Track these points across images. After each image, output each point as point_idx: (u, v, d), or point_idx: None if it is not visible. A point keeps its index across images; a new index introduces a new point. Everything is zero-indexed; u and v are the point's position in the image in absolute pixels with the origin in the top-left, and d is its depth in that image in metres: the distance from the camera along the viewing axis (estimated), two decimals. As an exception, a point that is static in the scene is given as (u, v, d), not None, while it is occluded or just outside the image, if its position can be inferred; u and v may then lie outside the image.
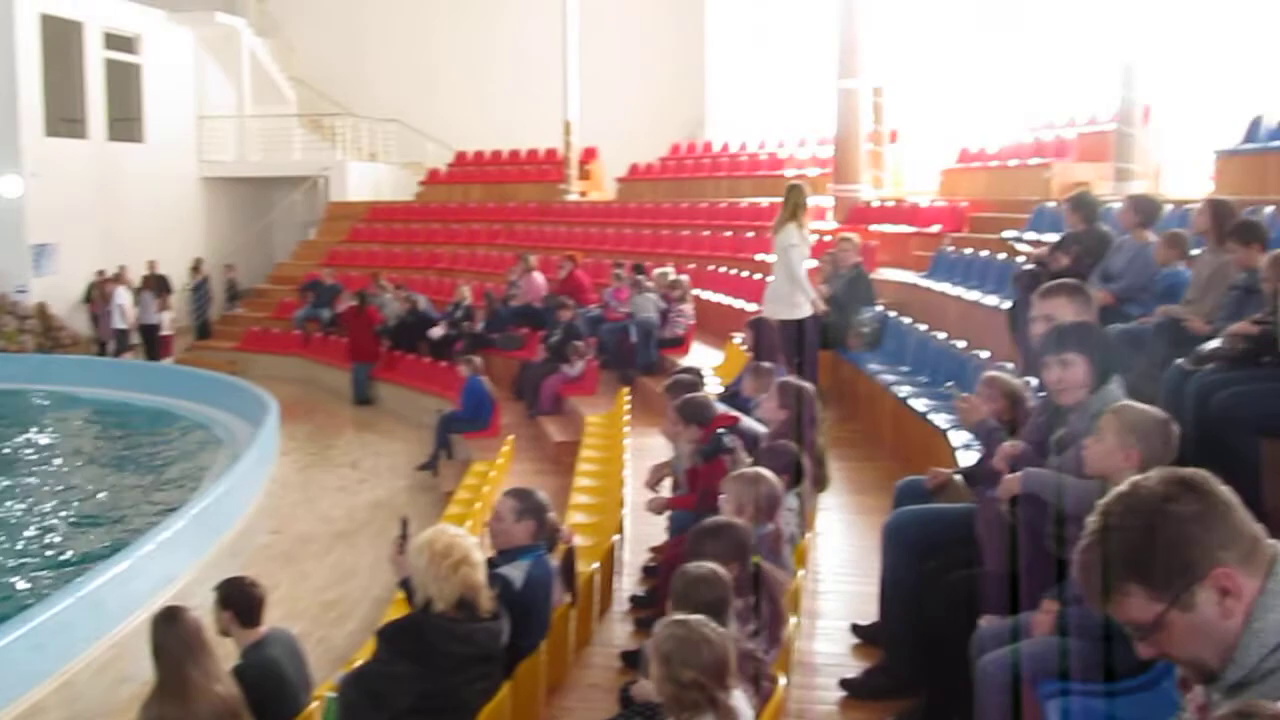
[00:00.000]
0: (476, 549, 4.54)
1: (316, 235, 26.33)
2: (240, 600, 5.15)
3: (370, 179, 27.38)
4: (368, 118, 28.00)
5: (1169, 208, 8.81)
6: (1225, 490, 1.95)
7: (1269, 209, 8.09)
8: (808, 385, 6.56)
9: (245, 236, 27.40)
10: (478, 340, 16.81)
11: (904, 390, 9.10)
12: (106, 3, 24.50)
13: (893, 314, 11.34)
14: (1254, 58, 15.15)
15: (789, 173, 19.21)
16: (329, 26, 28.84)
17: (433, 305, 18.93)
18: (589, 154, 24.94)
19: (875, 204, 16.61)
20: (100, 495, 13.98)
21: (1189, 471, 1.99)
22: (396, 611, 6.85)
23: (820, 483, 6.56)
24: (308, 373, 20.08)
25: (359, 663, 6.40)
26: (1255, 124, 11.27)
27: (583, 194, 24.24)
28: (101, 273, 22.81)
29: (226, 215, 27.60)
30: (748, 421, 6.78)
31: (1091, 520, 2.00)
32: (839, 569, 6.75)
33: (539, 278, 17.76)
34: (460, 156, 27.37)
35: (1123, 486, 1.99)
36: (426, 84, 28.09)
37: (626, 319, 14.77)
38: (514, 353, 16.45)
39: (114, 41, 24.93)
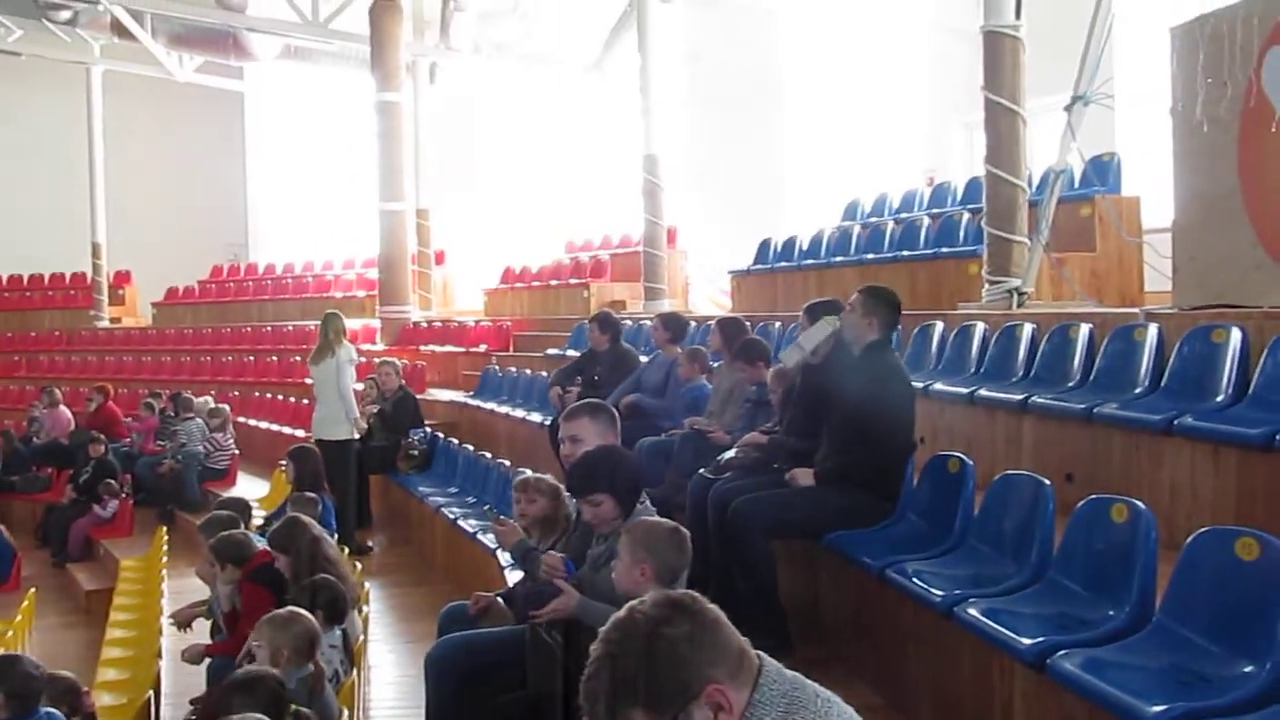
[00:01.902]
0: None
1: None
2: None
3: None
4: None
5: (693, 325, 9.46)
6: (713, 608, 2.06)
7: (778, 324, 8.88)
8: (298, 518, 6.37)
9: None
10: (-4, 484, 15.26)
11: (454, 511, 9.11)
12: None
13: (441, 435, 11.38)
14: (765, 185, 16.80)
15: (336, 294, 19.05)
16: None
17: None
18: (122, 278, 23.58)
19: (423, 324, 16.74)
20: None
21: (679, 593, 2.08)
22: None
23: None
24: None
25: None
26: (764, 246, 12.41)
27: (115, 320, 22.82)
28: None
29: None
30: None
31: (595, 648, 2.04)
32: (393, 703, 6.58)
33: (65, 412, 16.43)
34: (-29, 282, 24.99)
35: (620, 613, 2.05)
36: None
37: (163, 451, 13.93)
38: (37, 495, 15.05)
39: None
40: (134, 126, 23.82)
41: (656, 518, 4.09)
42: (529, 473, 5.78)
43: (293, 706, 4.23)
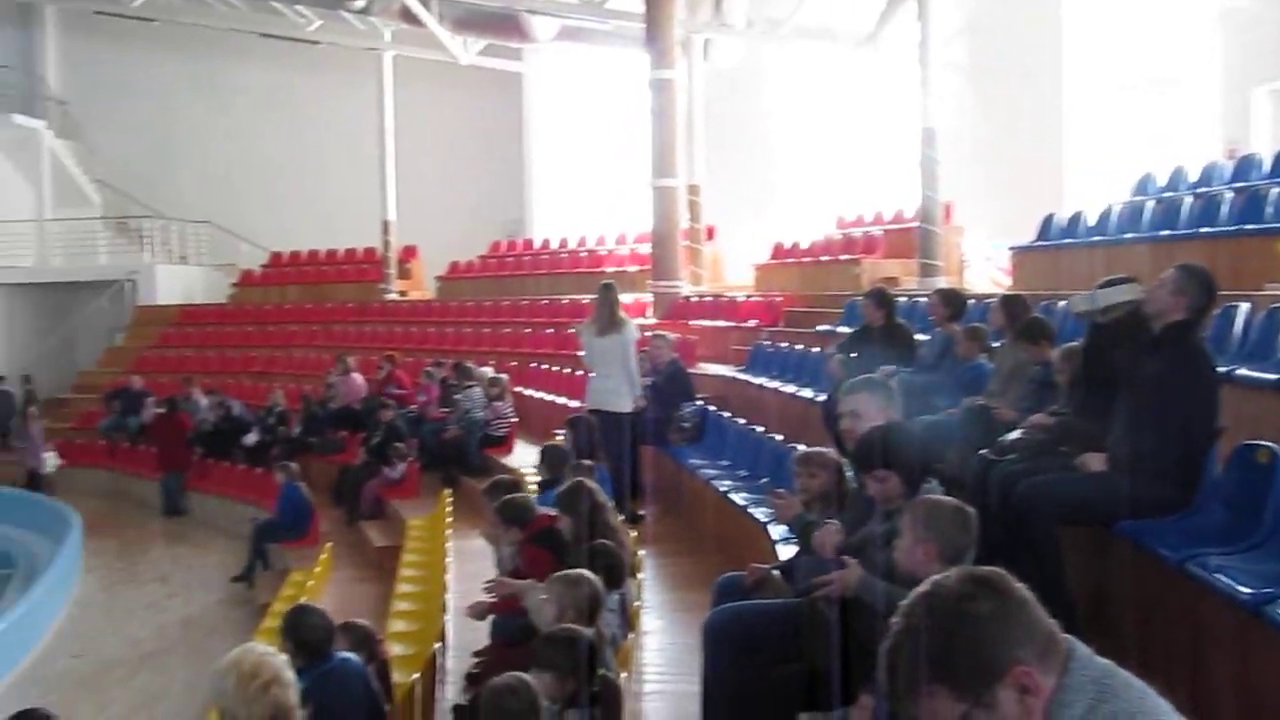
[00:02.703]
0: (287, 668, 4.34)
1: (124, 341, 25.39)
2: (24, 736, 4.85)
3: (181, 282, 26.58)
4: (178, 220, 27.27)
5: (971, 302, 9.20)
6: (1021, 588, 1.99)
7: (1062, 303, 8.52)
8: (583, 483, 6.53)
9: (47, 344, 26.19)
10: (294, 445, 16.38)
11: (725, 484, 9.18)
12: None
13: (713, 408, 11.48)
14: (1043, 159, 16.13)
15: (609, 269, 19.45)
16: (136, 128, 28.08)
17: (248, 410, 18.37)
18: (408, 253, 24.83)
19: (694, 299, 16.90)
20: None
21: (986, 570, 2.02)
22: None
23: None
24: (114, 485, 19.20)
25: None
26: (1047, 222, 11.94)
27: (402, 293, 24.06)
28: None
29: (25, 323, 26.33)
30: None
31: (894, 621, 2.01)
32: (663, 669, 6.69)
33: (358, 379, 17.47)
34: (275, 257, 26.88)
35: (923, 586, 2.01)
36: (239, 185, 27.53)
37: (447, 418, 14.60)
38: (333, 457, 16.07)
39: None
40: (421, 109, 25.01)
41: (941, 496, 4.00)
42: (810, 449, 5.72)
43: (600, 671, 4.36)
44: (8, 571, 14.81)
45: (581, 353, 11.16)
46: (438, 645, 7.15)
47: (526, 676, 3.92)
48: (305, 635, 5.08)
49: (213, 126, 27.69)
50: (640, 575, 6.81)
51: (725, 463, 10.08)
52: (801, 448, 5.99)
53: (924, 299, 10.25)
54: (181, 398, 18.85)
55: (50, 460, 18.62)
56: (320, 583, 10.59)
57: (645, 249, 18.55)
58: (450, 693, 6.96)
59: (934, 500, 3.90)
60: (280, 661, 4.32)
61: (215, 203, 27.27)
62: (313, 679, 4.80)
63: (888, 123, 18.14)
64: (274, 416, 17.32)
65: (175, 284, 26.35)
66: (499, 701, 3.77)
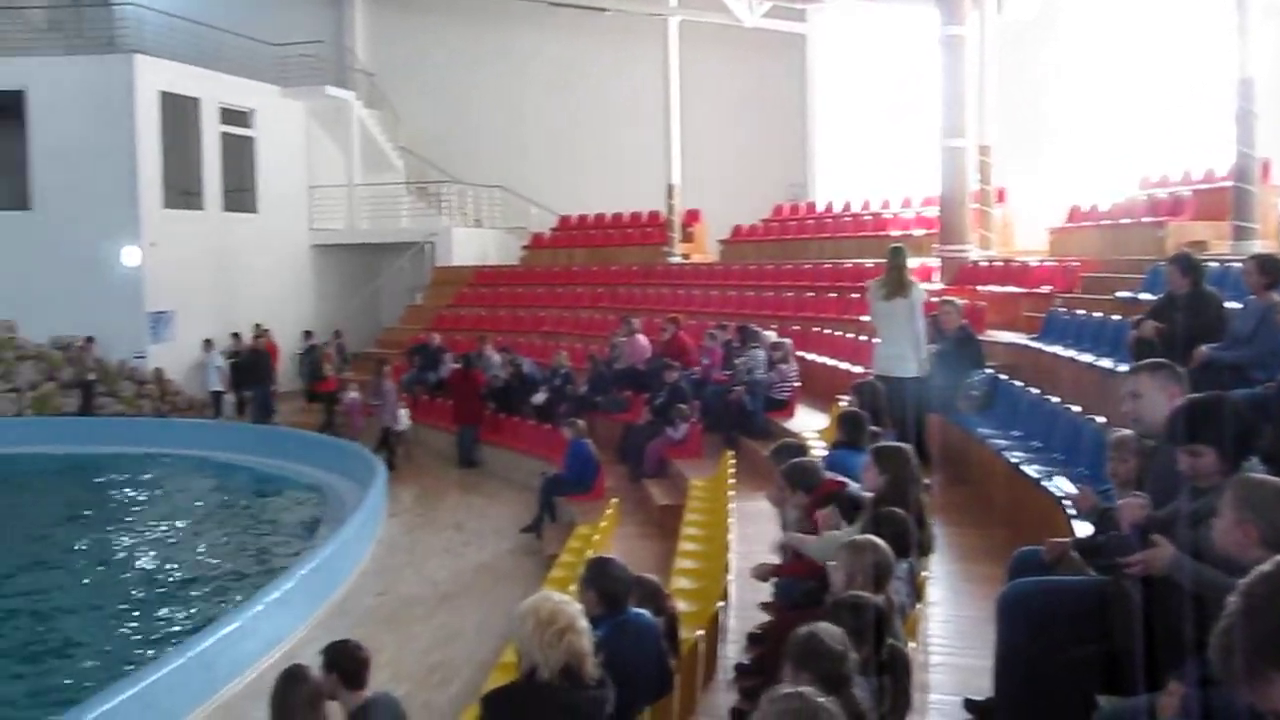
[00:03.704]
0: (581, 616, 4.49)
1: (423, 300, 26.79)
2: (346, 663, 5.18)
3: (476, 244, 27.84)
4: (473, 184, 28.55)
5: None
6: None
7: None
8: (905, 447, 6.44)
9: (354, 302, 28.00)
10: (581, 403, 16.86)
11: (1016, 456, 8.88)
12: (222, 80, 25.38)
13: (1003, 377, 11.11)
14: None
15: (894, 233, 19.08)
16: (435, 97, 29.57)
17: (537, 368, 19.05)
18: (691, 216, 25.08)
19: (983, 264, 16.38)
20: (209, 556, 14.26)
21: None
22: (501, 676, 6.82)
23: (923, 548, 6.41)
24: (414, 435, 20.31)
25: (462, 728, 6.39)
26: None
27: (685, 256, 24.33)
28: (236, 335, 23.71)
29: (335, 281, 28.27)
30: (854, 486, 6.65)
31: (1233, 601, 1.89)
32: (950, 641, 6.56)
33: (643, 340, 17.81)
34: (563, 221, 27.76)
35: (1266, 567, 1.88)
36: (530, 151, 28.58)
37: (730, 380, 14.70)
38: (618, 415, 16.47)
39: (229, 116, 25.84)
40: (705, 73, 25.17)
41: (1266, 475, 3.73)
42: (1125, 433, 5.43)
43: (888, 640, 4.32)
44: (319, 512, 15.92)
45: (867, 316, 11.00)
46: (720, 604, 7.23)
47: (846, 639, 3.89)
48: (607, 586, 5.23)
49: (506, 95, 28.81)
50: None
51: (1017, 433, 9.75)
52: (1115, 430, 5.69)
53: (1237, 265, 9.56)
54: (475, 355, 19.73)
55: (403, 418, 19.04)
56: (605, 537, 10.88)
57: (932, 212, 18.09)
58: (732, 651, 7.04)
59: (1259, 479, 3.64)
60: (575, 609, 4.48)
61: (508, 168, 28.42)
62: (608, 629, 4.94)
63: (1198, 74, 16.98)
64: (560, 376, 17.88)
65: (470, 246, 27.61)
66: (812, 657, 3.76)
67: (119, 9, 25.71)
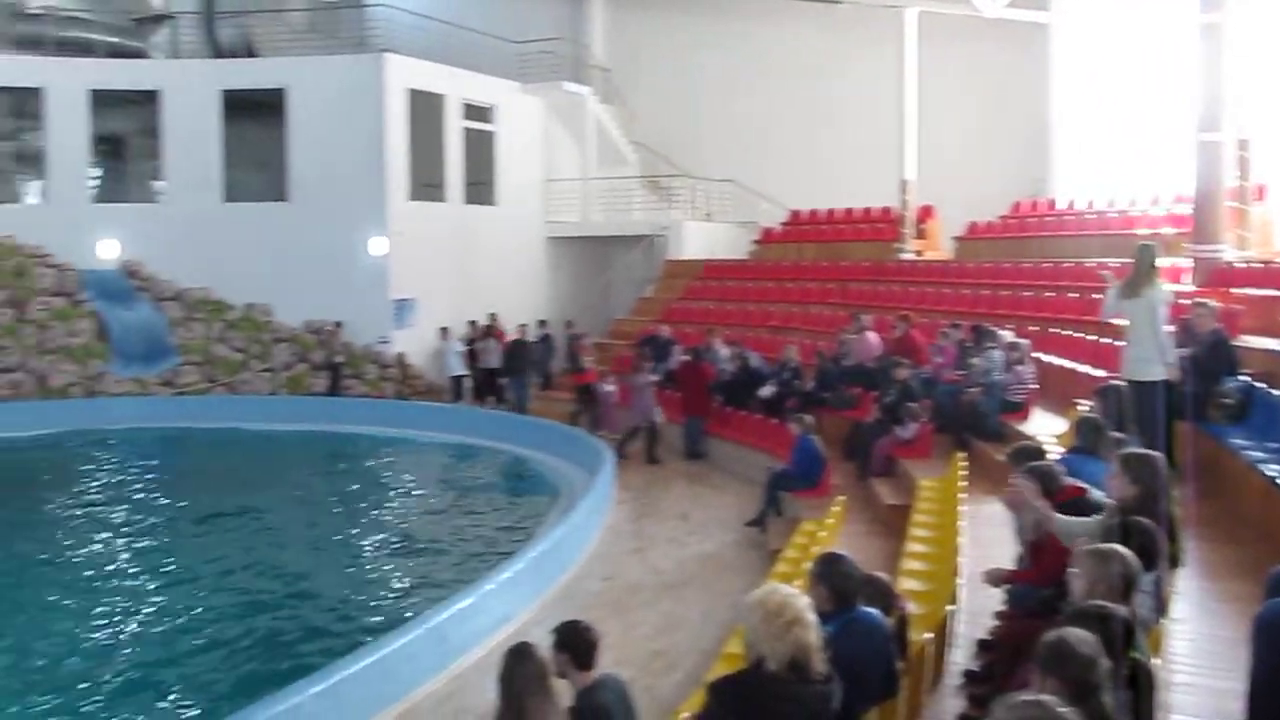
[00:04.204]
0: (809, 610, 4.48)
1: (654, 292, 27.13)
2: (576, 643, 5.29)
3: (705, 238, 28.02)
4: (704, 179, 28.74)
5: None
6: None
7: None
8: (1157, 455, 6.15)
9: (586, 293, 28.62)
10: (809, 399, 16.76)
11: (1274, 469, 8.37)
12: (465, 77, 26.31)
13: (1260, 385, 10.47)
14: None
15: (1140, 232, 18.23)
16: (668, 93, 29.95)
17: (765, 363, 19.03)
18: (925, 212, 24.61)
19: (1239, 265, 15.47)
20: (441, 535, 14.82)
21: None
22: (725, 666, 6.87)
23: (1173, 561, 6.12)
24: (619, 420, 20.54)
25: (685, 715, 6.46)
26: None
27: (918, 253, 23.89)
28: (473, 323, 24.64)
29: (569, 272, 28.95)
30: (1095, 493, 6.42)
31: None
32: (1196, 660, 6.23)
33: (873, 337, 17.58)
34: (794, 215, 27.67)
35: None
36: (760, 145, 28.61)
37: (962, 380, 14.36)
38: (845, 412, 16.31)
39: (471, 112, 26.77)
40: (943, 66, 24.62)
41: None
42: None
43: (1132, 654, 4.15)
44: (550, 497, 16.36)
45: (1102, 315, 10.59)
46: (950, 608, 7.08)
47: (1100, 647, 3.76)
48: (837, 582, 5.20)
49: (738, 90, 28.98)
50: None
51: (1274, 445, 9.18)
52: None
53: None
54: (704, 347, 19.85)
55: (657, 413, 18.72)
56: (831, 534, 10.80)
57: (1183, 210, 17.19)
58: (960, 657, 6.89)
59: None
60: (804, 603, 4.47)
61: (738, 162, 28.52)
62: (837, 626, 4.91)
63: None
64: (789, 370, 17.82)
65: (700, 240, 27.81)
66: (1064, 663, 3.64)
67: (371, 10, 27.03)
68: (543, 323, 25.82)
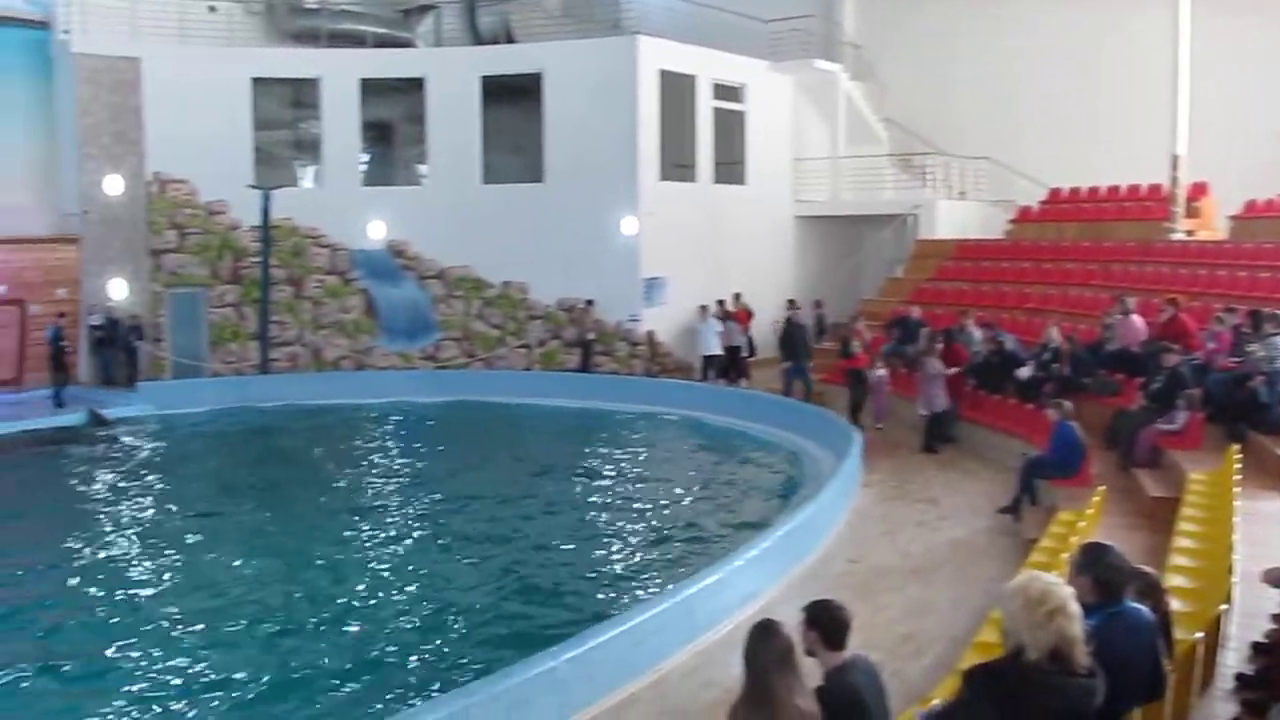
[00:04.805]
0: (1073, 600, 4.32)
1: (903, 272, 26.62)
2: (828, 622, 5.26)
3: (959, 217, 27.32)
4: (957, 156, 27.97)
5: None
6: None
7: None
8: None
9: (834, 273, 28.37)
10: (1068, 384, 16.13)
11: None
12: (716, 56, 26.45)
13: None
14: None
15: None
16: (921, 69, 29.31)
17: (1021, 345, 18.40)
18: (1197, 190, 23.25)
19: None
20: (687, 510, 15.02)
21: None
22: (977, 654, 6.72)
23: None
24: (891, 407, 20.26)
25: (936, 701, 6.35)
26: None
27: (1189, 233, 22.60)
28: (721, 302, 24.73)
29: (817, 252, 28.79)
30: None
31: None
32: None
33: (1138, 321, 16.79)
34: (1054, 194, 26.63)
35: None
36: (1017, 122, 27.66)
37: (1238, 368, 13.55)
38: (1107, 399, 15.64)
39: (721, 92, 26.92)
40: (1218, 31, 23.14)
41: None
42: None
43: None
44: (798, 478, 16.33)
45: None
46: (1223, 608, 6.73)
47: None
48: (1102, 574, 5.01)
49: (992, 63, 28.13)
50: None
51: None
52: None
53: None
54: (956, 329, 19.37)
55: (939, 400, 17.67)
56: (1090, 525, 10.39)
57: None
58: (1233, 659, 6.55)
59: None
60: (1067, 593, 4.32)
61: (994, 139, 27.67)
62: (1101, 619, 4.74)
63: None
64: (1048, 353, 17.18)
65: (953, 219, 27.14)
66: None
67: (624, -7, 27.47)
68: (791, 302, 25.75)
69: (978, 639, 7.79)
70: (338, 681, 9.41)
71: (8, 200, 24.15)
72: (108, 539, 13.87)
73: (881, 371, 19.63)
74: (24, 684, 9.40)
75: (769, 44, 27.69)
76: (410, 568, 12.64)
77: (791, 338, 22.23)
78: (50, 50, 24.92)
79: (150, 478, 17.44)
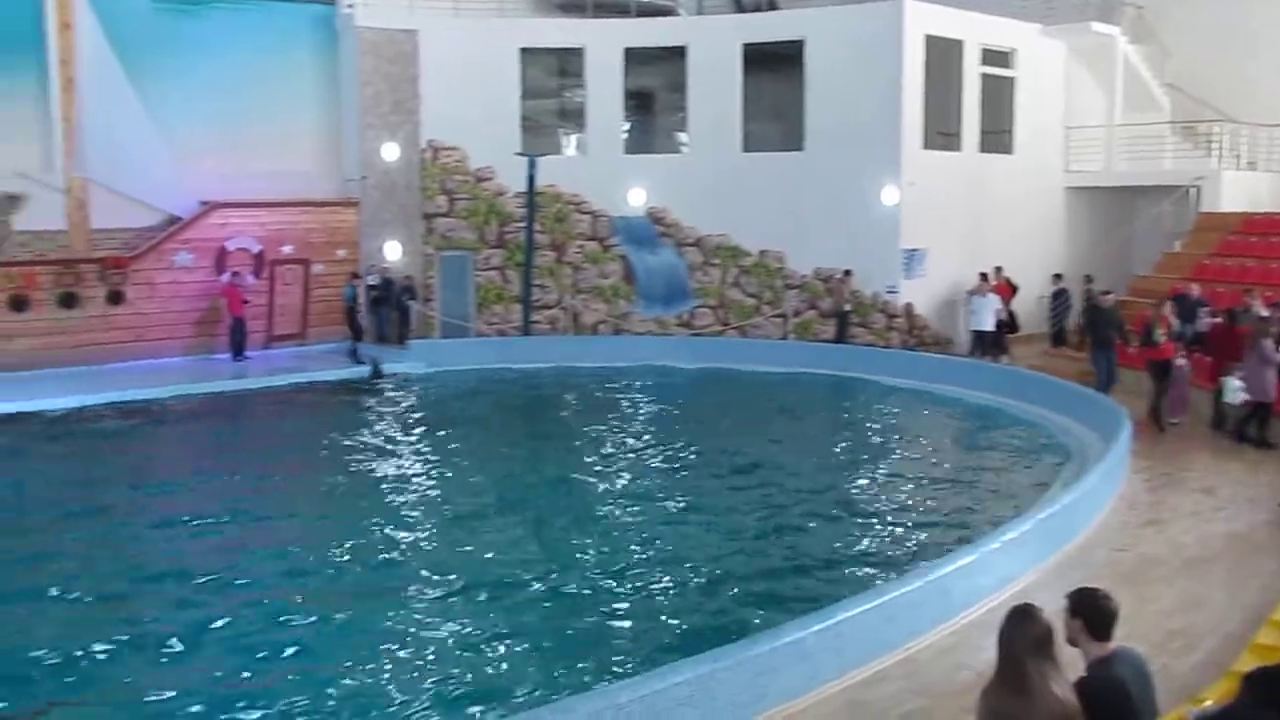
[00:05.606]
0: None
1: (1182, 247, 25.15)
2: (1093, 611, 5.09)
3: (1247, 189, 25.58)
4: (1249, 124, 26.15)
5: None
6: None
7: None
8: None
9: (1105, 246, 27.07)
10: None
11: None
12: (985, 21, 25.57)
13: None
14: None
15: None
16: (1209, 30, 27.45)
17: (1312, 327, 17.09)
18: None
19: None
20: (938, 488, 14.76)
21: None
22: (1255, 657, 6.35)
23: None
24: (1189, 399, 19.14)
25: (1209, 702, 6.05)
26: None
27: None
28: (984, 275, 23.96)
29: (1087, 225, 27.55)
30: None
31: None
32: None
33: None
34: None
35: None
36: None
37: None
38: None
39: (990, 57, 26.01)
40: None
41: None
42: None
43: None
44: (1061, 461, 15.73)
45: None
46: None
47: None
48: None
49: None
50: None
51: None
52: None
53: None
54: (1241, 309, 18.21)
55: (1271, 387, 15.95)
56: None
57: None
58: None
59: None
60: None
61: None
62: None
63: None
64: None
65: (1241, 191, 25.46)
66: None
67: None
68: (1058, 276, 24.76)
69: (1256, 640, 7.36)
70: (607, 635, 9.77)
71: (297, 166, 25.79)
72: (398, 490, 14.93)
73: (1183, 361, 17.82)
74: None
75: (1042, 6, 26.56)
76: (643, 533, 12.95)
77: (1098, 322, 20.06)
78: (335, 24, 26.32)
79: (432, 427, 18.68)
